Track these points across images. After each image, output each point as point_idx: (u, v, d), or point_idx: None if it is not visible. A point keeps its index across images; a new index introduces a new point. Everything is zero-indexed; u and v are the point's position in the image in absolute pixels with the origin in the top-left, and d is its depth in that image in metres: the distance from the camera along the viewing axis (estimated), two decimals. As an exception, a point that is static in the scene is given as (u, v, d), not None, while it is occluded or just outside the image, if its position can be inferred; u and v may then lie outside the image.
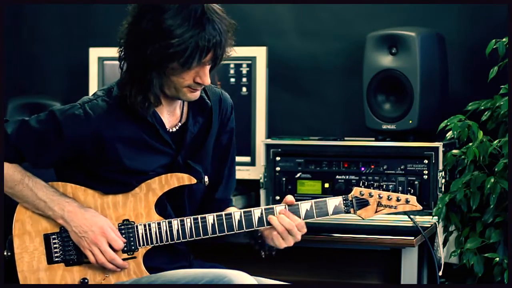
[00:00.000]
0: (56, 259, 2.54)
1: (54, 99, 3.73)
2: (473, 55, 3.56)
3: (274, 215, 2.56)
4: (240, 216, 2.54)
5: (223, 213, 2.55)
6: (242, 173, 3.60)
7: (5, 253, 2.55)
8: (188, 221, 2.54)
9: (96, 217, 2.51)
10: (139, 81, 2.47)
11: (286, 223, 2.54)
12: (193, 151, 2.62)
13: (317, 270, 3.33)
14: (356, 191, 2.61)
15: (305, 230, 2.59)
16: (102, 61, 3.77)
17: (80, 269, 2.55)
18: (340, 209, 2.60)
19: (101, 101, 2.53)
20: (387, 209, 2.61)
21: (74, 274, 2.54)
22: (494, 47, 3.18)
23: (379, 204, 2.61)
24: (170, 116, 2.60)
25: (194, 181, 2.57)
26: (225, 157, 2.72)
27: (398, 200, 2.61)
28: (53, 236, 2.54)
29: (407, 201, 2.62)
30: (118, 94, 2.53)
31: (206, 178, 2.62)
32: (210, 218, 2.54)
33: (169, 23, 2.39)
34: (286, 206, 2.57)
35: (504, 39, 3.17)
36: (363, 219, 2.62)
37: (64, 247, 2.54)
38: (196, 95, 2.53)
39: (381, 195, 2.61)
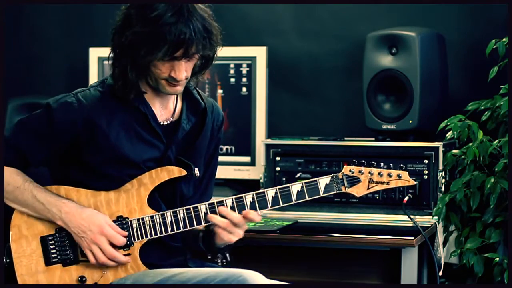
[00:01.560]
0: (54, 260, 2.54)
1: (54, 99, 3.73)
2: (473, 55, 3.55)
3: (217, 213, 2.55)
4: (232, 203, 2.55)
5: (214, 201, 2.56)
6: (242, 173, 3.60)
7: (4, 260, 2.54)
8: (181, 212, 2.55)
9: (93, 216, 2.51)
10: (119, 66, 2.51)
11: (233, 217, 2.53)
12: (184, 149, 2.62)
13: (317, 270, 3.33)
14: (345, 169, 2.59)
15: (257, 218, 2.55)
16: (102, 61, 3.76)
17: (78, 268, 2.54)
18: (331, 187, 2.58)
19: (93, 90, 2.57)
20: (379, 185, 2.59)
21: (72, 273, 2.54)
22: (494, 47, 3.18)
23: (370, 181, 2.59)
24: (163, 109, 2.61)
25: (184, 172, 2.57)
26: (207, 165, 2.72)
27: (389, 176, 2.59)
28: (50, 238, 2.54)
29: (399, 177, 2.59)
30: (111, 83, 2.56)
31: (197, 171, 2.61)
32: (203, 207, 2.55)
33: (147, 12, 2.42)
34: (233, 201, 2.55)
35: (504, 39, 3.17)
36: (356, 196, 2.59)
37: (61, 248, 2.54)
38: (176, 89, 2.53)
39: (371, 172, 2.58)
